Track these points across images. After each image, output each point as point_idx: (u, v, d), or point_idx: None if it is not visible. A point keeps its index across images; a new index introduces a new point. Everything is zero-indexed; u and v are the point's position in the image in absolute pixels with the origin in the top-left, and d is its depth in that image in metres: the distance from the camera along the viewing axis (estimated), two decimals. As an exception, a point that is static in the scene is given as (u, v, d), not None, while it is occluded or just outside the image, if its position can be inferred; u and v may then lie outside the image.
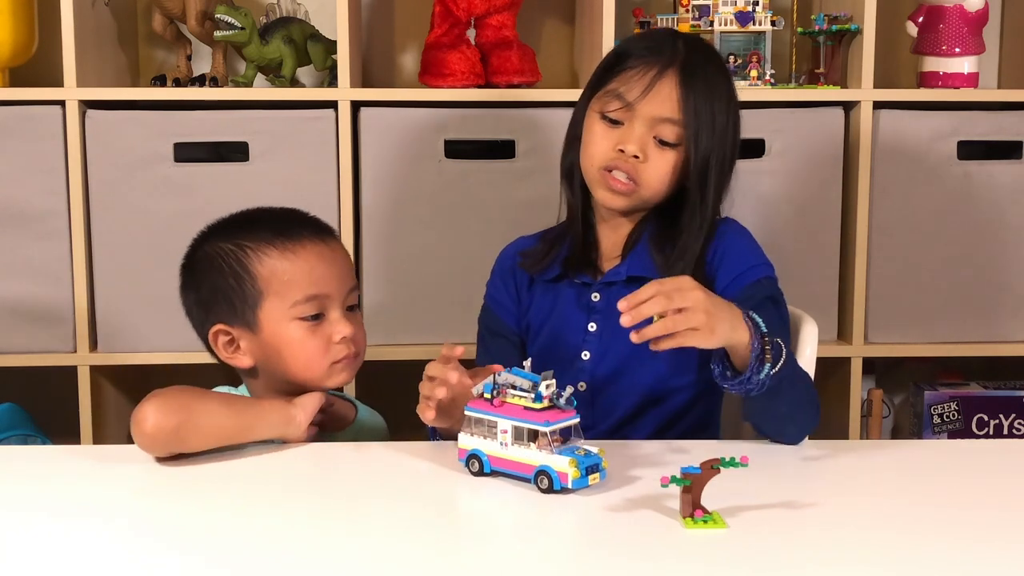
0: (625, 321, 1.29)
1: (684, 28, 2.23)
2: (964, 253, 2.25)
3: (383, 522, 1.20)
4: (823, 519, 1.20)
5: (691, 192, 1.54)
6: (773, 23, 2.23)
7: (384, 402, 2.26)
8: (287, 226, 1.49)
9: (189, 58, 2.35)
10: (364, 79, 2.42)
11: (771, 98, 2.21)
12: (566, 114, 1.66)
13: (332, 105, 2.16)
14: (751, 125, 2.20)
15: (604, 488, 1.25)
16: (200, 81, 2.30)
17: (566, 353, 1.59)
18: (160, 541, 1.15)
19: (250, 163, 2.16)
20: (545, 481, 1.24)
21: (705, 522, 1.15)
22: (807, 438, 1.47)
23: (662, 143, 1.52)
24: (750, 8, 2.23)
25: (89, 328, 2.17)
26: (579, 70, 2.43)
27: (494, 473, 1.30)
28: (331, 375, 1.48)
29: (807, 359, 1.59)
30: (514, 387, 1.28)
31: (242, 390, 1.55)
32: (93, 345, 2.19)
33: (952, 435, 2.35)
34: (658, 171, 1.53)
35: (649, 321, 1.29)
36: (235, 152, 2.17)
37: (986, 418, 2.36)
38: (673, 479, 1.16)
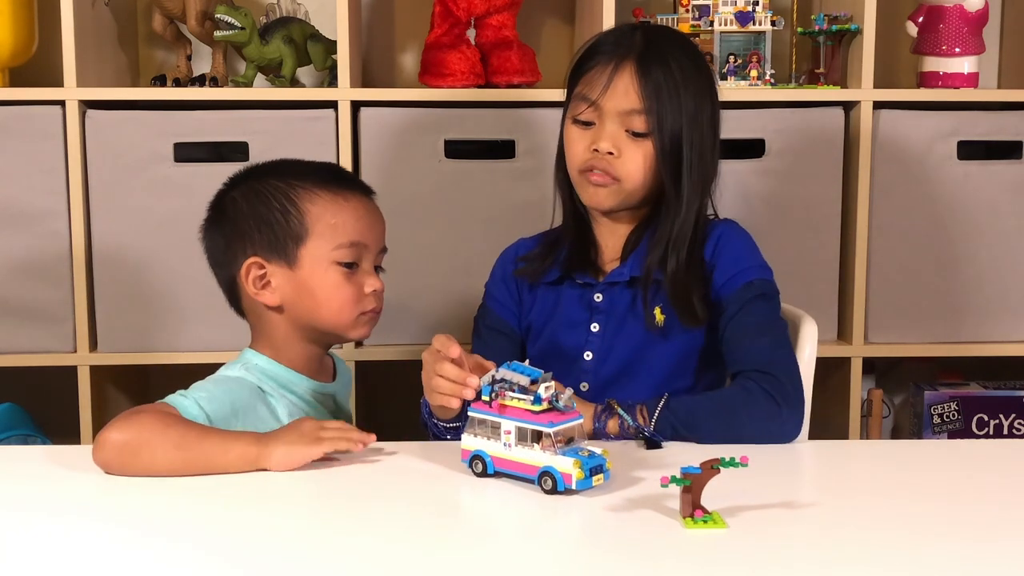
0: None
1: (684, 28, 2.23)
2: (964, 253, 2.25)
3: (386, 523, 1.20)
4: (823, 519, 1.20)
5: (665, 180, 1.54)
6: (773, 23, 2.23)
7: (384, 402, 2.27)
8: (337, 176, 1.56)
9: (189, 58, 2.35)
10: (364, 79, 2.42)
11: (771, 98, 2.21)
12: (566, 114, 1.66)
13: (332, 105, 2.16)
14: (751, 125, 2.21)
15: (605, 488, 1.25)
16: (200, 81, 2.30)
17: (568, 353, 1.59)
18: (160, 541, 1.15)
19: (250, 163, 2.15)
20: (549, 482, 1.24)
21: (705, 522, 1.15)
22: (806, 436, 1.47)
23: (635, 135, 1.53)
24: (750, 8, 2.23)
25: (89, 328, 2.17)
26: (579, 70, 2.43)
27: (497, 474, 1.30)
28: (356, 326, 1.52)
29: (807, 359, 1.59)
30: (512, 388, 1.28)
31: (247, 358, 1.53)
32: (93, 345, 2.19)
33: (952, 435, 2.35)
34: (635, 163, 1.53)
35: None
36: (235, 152, 2.16)
37: (986, 418, 2.36)
38: (673, 479, 1.16)
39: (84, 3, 2.16)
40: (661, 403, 1.43)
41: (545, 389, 1.27)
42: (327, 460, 1.35)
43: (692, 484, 1.16)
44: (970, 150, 2.24)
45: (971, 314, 2.26)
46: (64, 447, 1.51)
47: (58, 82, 2.12)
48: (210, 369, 1.55)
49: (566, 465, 1.23)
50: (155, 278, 2.15)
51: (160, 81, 2.29)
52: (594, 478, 1.24)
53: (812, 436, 1.59)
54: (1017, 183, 2.24)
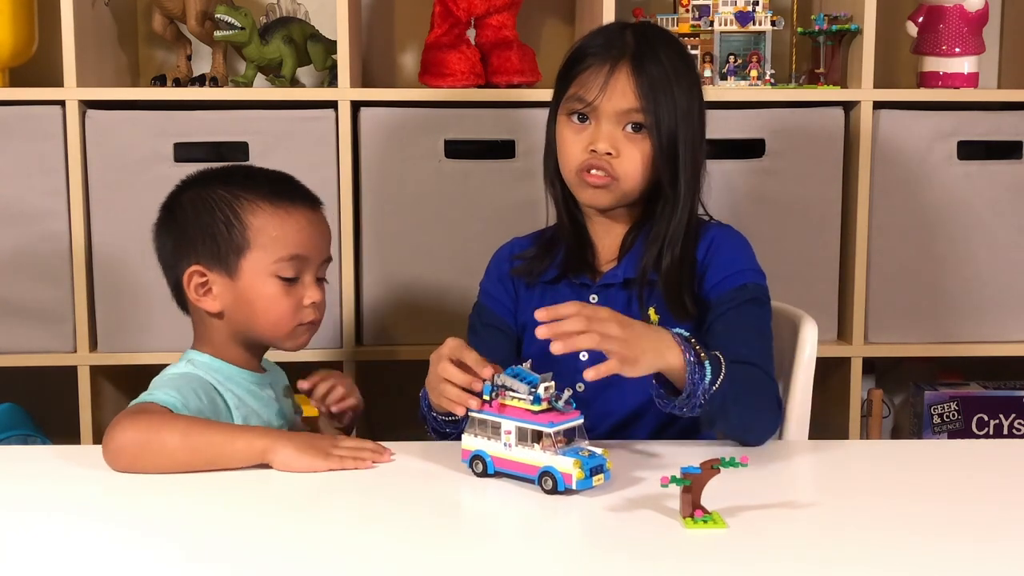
0: (542, 332, 1.30)
1: (684, 28, 2.24)
2: (964, 253, 2.25)
3: (386, 523, 1.20)
4: (823, 519, 1.20)
5: (662, 178, 1.54)
6: (773, 23, 2.23)
7: (384, 402, 2.27)
8: (282, 187, 1.55)
9: (189, 58, 2.35)
10: (364, 79, 2.42)
11: (771, 98, 2.21)
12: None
13: (332, 105, 2.16)
14: (751, 125, 2.21)
15: (605, 488, 1.25)
16: (200, 81, 2.30)
17: (564, 354, 1.59)
18: (160, 541, 1.15)
19: (250, 163, 2.16)
20: (549, 482, 1.24)
21: (705, 522, 1.15)
22: (806, 436, 1.48)
23: (633, 133, 1.53)
24: (750, 8, 2.23)
25: (89, 328, 2.17)
26: (579, 70, 2.43)
27: (497, 474, 1.30)
28: (293, 336, 1.53)
29: (807, 359, 1.59)
30: (512, 389, 1.28)
31: (190, 356, 1.55)
32: (93, 345, 2.19)
33: (952, 435, 2.36)
34: (633, 162, 1.53)
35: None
36: (235, 152, 2.16)
37: (986, 418, 2.36)
38: (673, 479, 1.16)
39: (84, 3, 2.16)
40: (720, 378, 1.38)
41: (545, 389, 1.27)
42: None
43: (692, 484, 1.16)
44: (970, 150, 2.24)
45: (971, 314, 2.26)
46: (64, 447, 1.51)
47: (58, 82, 2.12)
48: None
49: (566, 465, 1.24)
50: (155, 278, 2.14)
51: (160, 81, 2.29)
52: (594, 478, 1.25)
53: (812, 436, 1.59)
54: (1017, 183, 2.24)
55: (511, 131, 2.19)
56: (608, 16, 2.13)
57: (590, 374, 1.29)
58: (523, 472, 1.27)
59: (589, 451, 1.26)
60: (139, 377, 2.38)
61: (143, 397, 1.43)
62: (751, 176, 2.21)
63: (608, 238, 1.61)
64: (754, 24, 2.24)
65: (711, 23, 2.24)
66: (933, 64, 2.29)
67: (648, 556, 1.10)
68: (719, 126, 2.11)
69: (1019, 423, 2.36)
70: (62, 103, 2.12)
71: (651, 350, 1.33)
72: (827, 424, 2.30)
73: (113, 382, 2.29)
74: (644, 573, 1.06)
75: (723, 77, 2.23)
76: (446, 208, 2.19)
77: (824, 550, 1.12)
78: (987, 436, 2.35)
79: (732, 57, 2.22)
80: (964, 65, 2.28)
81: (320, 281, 1.56)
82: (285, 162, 2.15)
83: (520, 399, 1.27)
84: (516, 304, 1.65)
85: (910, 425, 2.43)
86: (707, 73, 2.22)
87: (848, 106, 2.23)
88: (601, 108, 1.52)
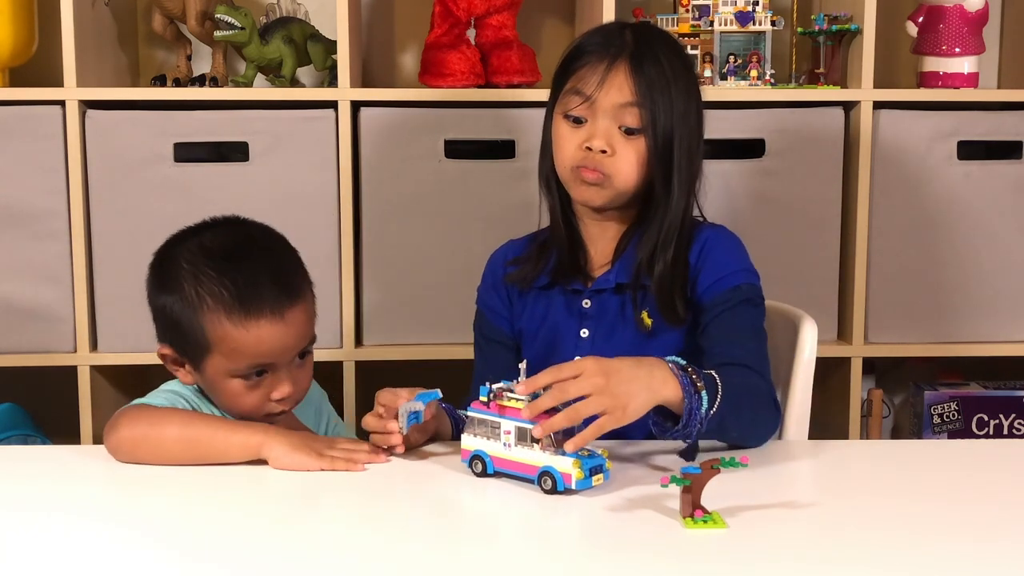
0: (525, 415, 1.26)
1: (684, 28, 2.23)
2: (964, 253, 2.25)
3: (386, 523, 1.20)
4: (823, 519, 1.20)
5: (656, 179, 1.53)
6: (773, 23, 2.23)
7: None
8: (249, 293, 1.42)
9: (189, 58, 2.35)
10: (364, 79, 2.42)
11: (771, 98, 2.21)
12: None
13: (332, 105, 2.16)
14: (751, 125, 2.21)
15: (605, 488, 1.25)
16: (200, 81, 2.30)
17: (560, 359, 1.58)
18: (160, 541, 1.15)
19: (250, 163, 2.16)
20: (549, 482, 1.24)
21: (705, 522, 1.15)
22: (806, 436, 1.47)
23: (628, 132, 1.52)
24: (750, 8, 2.23)
25: (89, 328, 2.18)
26: (579, 70, 2.43)
27: (497, 474, 1.30)
28: (264, 420, 1.46)
29: (807, 359, 1.58)
30: (510, 391, 1.28)
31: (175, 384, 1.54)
32: (93, 345, 2.19)
33: (952, 435, 2.35)
34: (628, 161, 1.52)
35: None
36: (235, 152, 2.17)
37: (986, 418, 2.36)
38: (673, 479, 1.16)
39: (84, 3, 2.16)
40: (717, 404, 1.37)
41: (544, 390, 1.27)
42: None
43: (692, 484, 1.16)
44: (970, 150, 2.24)
45: (971, 314, 2.26)
46: (64, 447, 1.51)
47: (58, 82, 2.12)
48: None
49: (566, 465, 1.24)
50: (155, 278, 2.15)
51: (160, 81, 2.29)
52: (594, 478, 1.25)
53: (812, 436, 1.59)
54: (1017, 183, 2.24)
55: (511, 131, 2.19)
56: (608, 16, 2.13)
57: (570, 447, 1.24)
58: (523, 472, 1.27)
59: (588, 451, 1.26)
60: (139, 377, 2.39)
61: (136, 402, 1.44)
62: (751, 176, 2.21)
63: (602, 241, 1.61)
64: (754, 24, 2.24)
65: (711, 23, 2.24)
66: (933, 64, 2.29)
67: (648, 556, 1.10)
68: (719, 126, 2.11)
69: (1019, 423, 2.36)
70: (62, 103, 2.12)
71: (642, 390, 1.29)
72: (827, 424, 2.30)
73: (113, 382, 2.29)
74: (644, 573, 1.06)
75: (723, 77, 2.23)
76: (446, 208, 2.19)
77: (824, 550, 1.12)
78: (987, 436, 2.35)
79: (732, 57, 2.22)
80: (964, 65, 2.28)
81: (304, 355, 1.48)
82: (285, 162, 2.17)
83: (519, 400, 1.27)
84: (511, 311, 1.65)
85: (910, 425, 2.43)
86: (707, 73, 2.22)
87: (848, 106, 2.23)
88: (598, 103, 1.52)
